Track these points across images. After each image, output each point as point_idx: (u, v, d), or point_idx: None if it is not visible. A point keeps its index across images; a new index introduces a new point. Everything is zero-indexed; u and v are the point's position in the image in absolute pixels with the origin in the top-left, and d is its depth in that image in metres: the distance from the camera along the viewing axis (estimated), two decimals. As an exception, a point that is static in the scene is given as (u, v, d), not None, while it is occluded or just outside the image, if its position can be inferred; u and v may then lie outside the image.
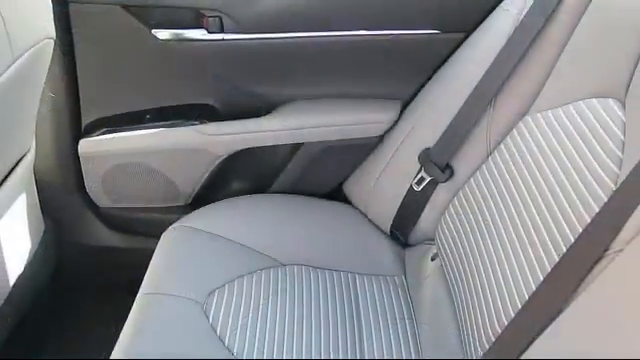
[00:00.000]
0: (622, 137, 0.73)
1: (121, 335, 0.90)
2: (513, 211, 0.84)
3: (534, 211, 0.80)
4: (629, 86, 0.74)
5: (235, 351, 0.88)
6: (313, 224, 1.14)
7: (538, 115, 0.89)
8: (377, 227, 1.15)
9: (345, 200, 1.23)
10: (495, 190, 0.90)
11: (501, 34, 0.99)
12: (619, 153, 0.71)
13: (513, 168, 0.88)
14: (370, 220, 1.16)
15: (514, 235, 0.81)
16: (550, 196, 0.78)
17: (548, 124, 0.86)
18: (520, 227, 0.81)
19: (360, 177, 1.20)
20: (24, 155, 1.00)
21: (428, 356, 0.92)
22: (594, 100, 0.79)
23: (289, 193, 1.22)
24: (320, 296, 1.00)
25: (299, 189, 1.21)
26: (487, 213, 0.90)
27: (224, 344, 0.88)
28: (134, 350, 0.86)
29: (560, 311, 0.62)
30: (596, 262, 0.61)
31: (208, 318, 0.91)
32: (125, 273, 1.04)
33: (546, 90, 0.90)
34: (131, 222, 1.27)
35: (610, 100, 0.77)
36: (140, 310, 0.92)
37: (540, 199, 0.80)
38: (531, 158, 0.86)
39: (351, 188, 1.22)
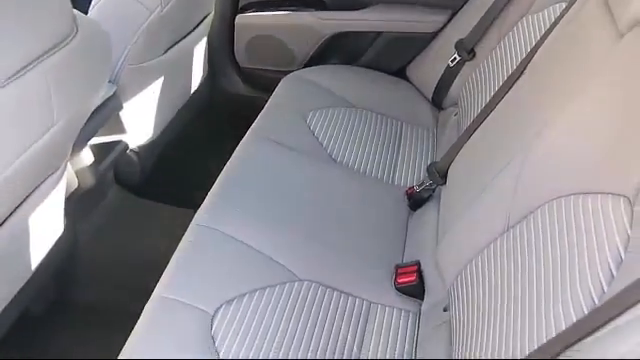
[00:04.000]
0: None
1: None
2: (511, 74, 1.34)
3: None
4: None
5: None
6: (381, 88, 1.69)
7: (529, 17, 1.37)
8: (424, 96, 1.68)
9: (407, 80, 1.76)
10: (496, 68, 1.40)
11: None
12: None
13: (508, 52, 1.38)
14: (420, 92, 1.70)
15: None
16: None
17: (533, 24, 1.35)
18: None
19: (417, 62, 1.73)
20: (207, 15, 1.62)
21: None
22: (557, 5, 1.27)
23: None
24: (371, 129, 1.53)
25: (376, 66, 1.75)
26: (490, 80, 1.40)
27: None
28: (253, 149, 1.43)
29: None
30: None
31: (309, 128, 1.48)
32: (251, 114, 1.59)
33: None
34: (260, 78, 1.87)
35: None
36: (256, 123, 1.50)
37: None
38: (518, 47, 1.35)
39: (411, 71, 1.75)
